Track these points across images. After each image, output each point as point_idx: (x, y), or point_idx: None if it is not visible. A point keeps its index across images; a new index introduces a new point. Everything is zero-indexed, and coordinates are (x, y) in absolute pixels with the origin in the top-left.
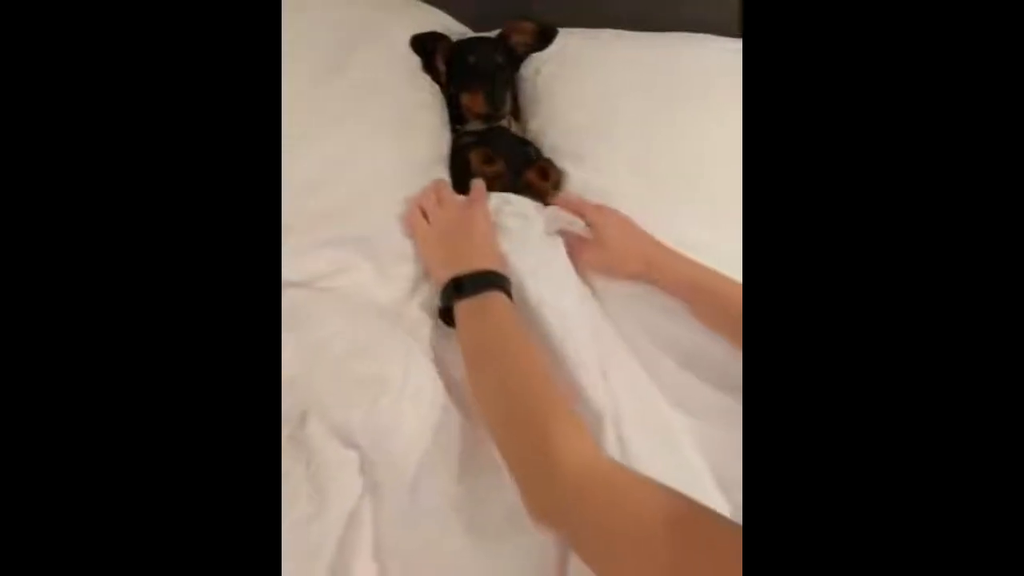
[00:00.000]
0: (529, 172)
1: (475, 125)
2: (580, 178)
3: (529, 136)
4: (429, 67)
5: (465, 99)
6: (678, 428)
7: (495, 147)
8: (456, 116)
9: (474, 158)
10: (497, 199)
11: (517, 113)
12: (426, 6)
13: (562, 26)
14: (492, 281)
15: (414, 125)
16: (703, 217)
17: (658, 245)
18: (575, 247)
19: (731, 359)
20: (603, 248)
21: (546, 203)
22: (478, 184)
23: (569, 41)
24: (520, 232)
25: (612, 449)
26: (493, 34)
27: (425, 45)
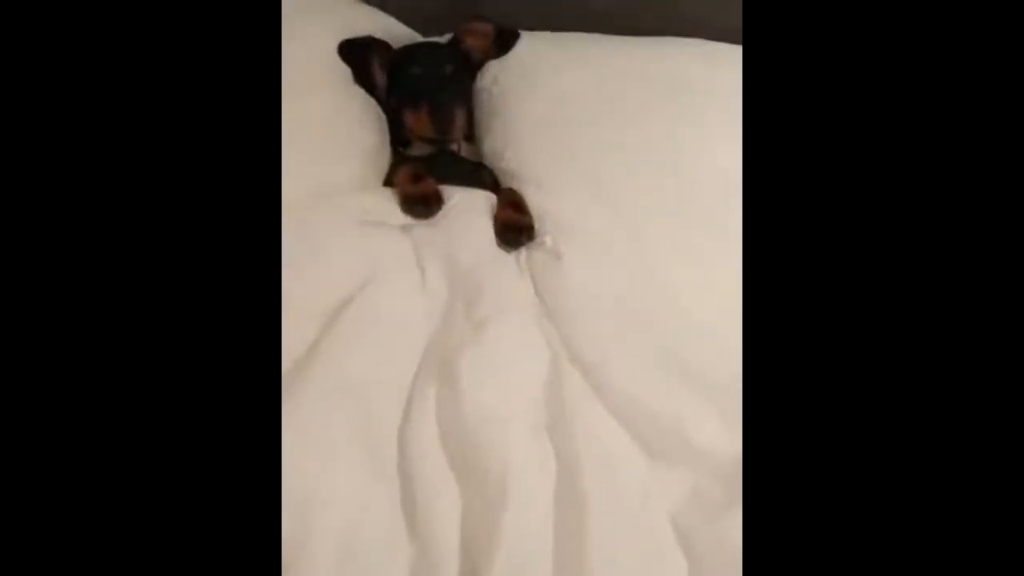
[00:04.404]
0: (500, 207)
1: (420, 148)
2: (539, 207)
3: (484, 159)
4: (363, 78)
5: (408, 118)
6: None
7: (440, 174)
8: (399, 137)
9: (401, 175)
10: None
11: (471, 133)
12: (361, 5)
13: (526, 28)
14: None
15: (338, 145)
16: (677, 251)
17: None
18: None
19: None
20: None
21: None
22: None
23: (531, 46)
24: None
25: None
26: (445, 39)
27: (357, 52)
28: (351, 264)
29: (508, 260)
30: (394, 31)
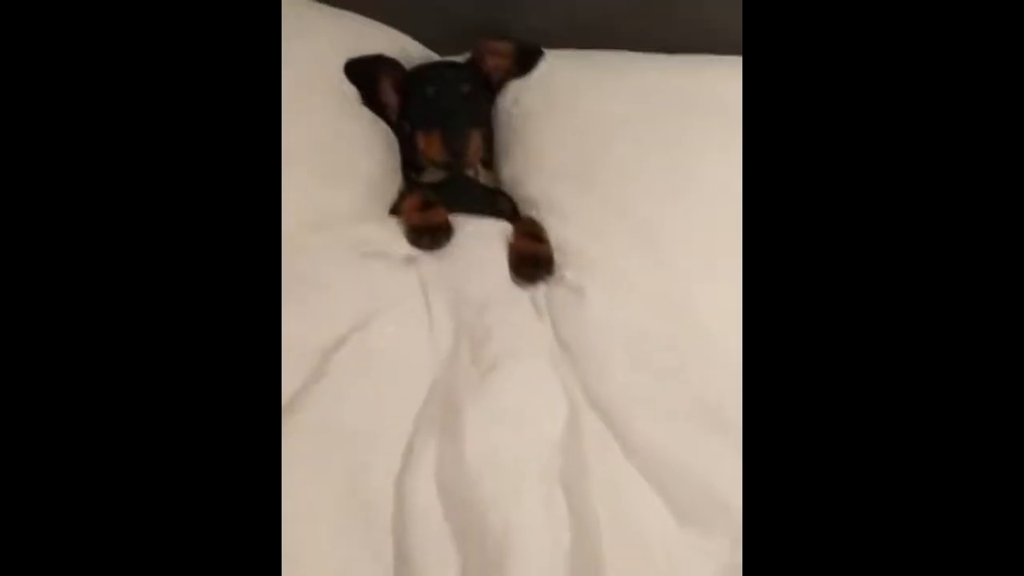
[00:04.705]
0: (516, 236)
1: (433, 174)
2: (562, 239)
3: (503, 185)
4: (371, 100)
5: (421, 141)
6: None
7: (454, 201)
8: (411, 162)
9: (408, 203)
10: None
11: (490, 158)
12: (370, 21)
13: (550, 46)
14: None
15: (337, 171)
16: (712, 289)
17: None
18: None
19: None
20: None
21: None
22: None
23: (555, 65)
24: None
25: None
26: (463, 58)
27: (365, 72)
28: (348, 300)
29: (523, 297)
30: (407, 50)
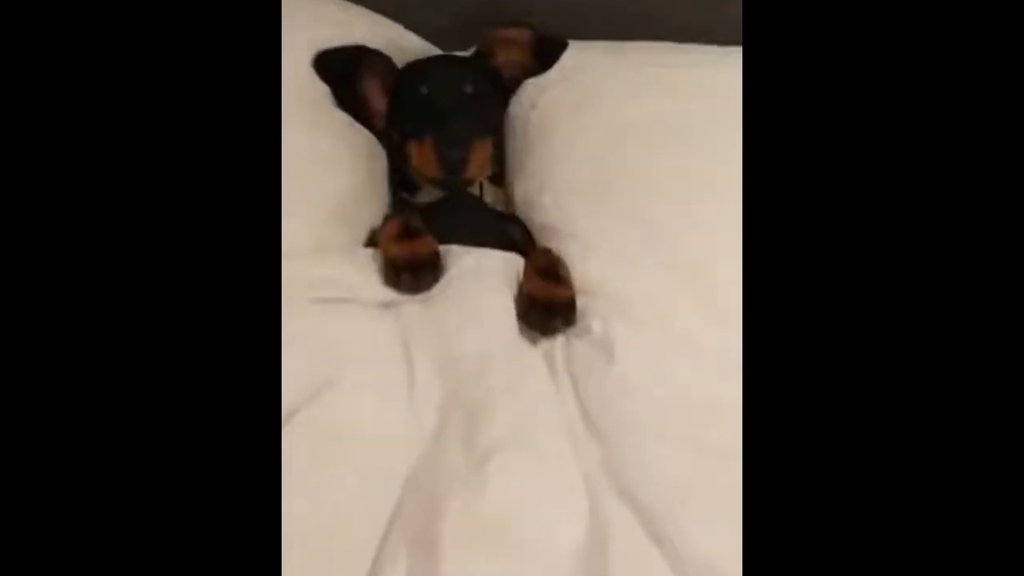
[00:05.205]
0: (527, 273)
1: (429, 193)
2: (587, 278)
3: (515, 208)
4: (348, 101)
5: (413, 153)
6: None
7: (450, 228)
8: (403, 179)
9: (386, 231)
10: None
11: (500, 175)
12: (352, 7)
13: (575, 36)
14: None
15: (289, 192)
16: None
17: None
18: None
19: None
20: None
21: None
22: None
23: (583, 59)
24: None
25: None
26: (470, 53)
27: (340, 66)
28: (298, 362)
29: (536, 355)
30: (400, 43)
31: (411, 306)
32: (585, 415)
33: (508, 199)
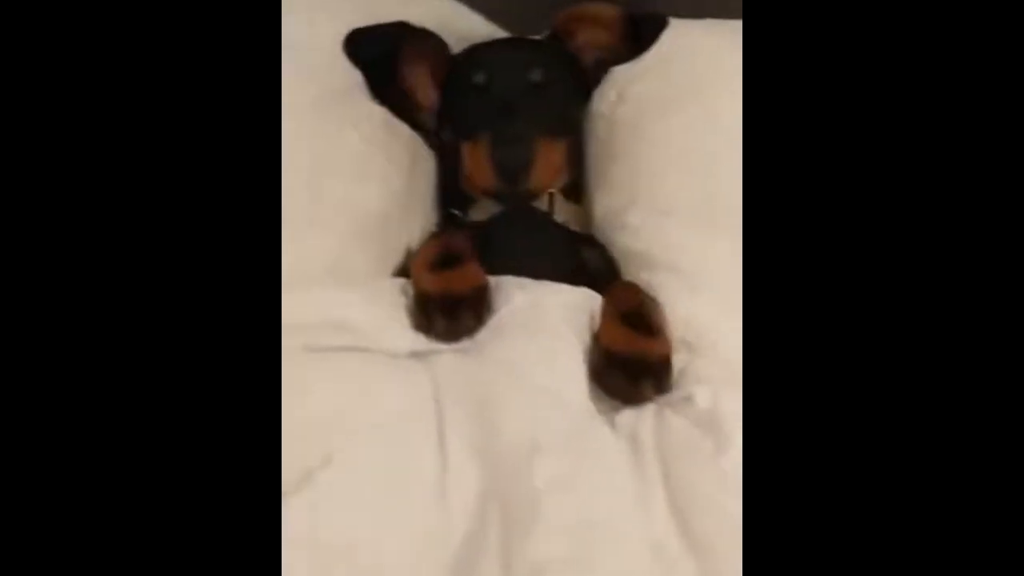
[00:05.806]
0: (606, 319)
1: (485, 208)
2: (692, 324)
3: (595, 229)
4: (387, 92)
5: (466, 156)
6: None
7: (508, 253)
8: (455, 191)
9: (419, 256)
10: None
11: (578, 187)
12: None
13: (677, 13)
14: None
15: (311, 204)
16: None
17: None
18: None
19: None
20: None
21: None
22: None
23: (686, 42)
24: None
25: None
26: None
27: (376, 48)
28: (293, 431)
29: (612, 435)
30: (457, 24)
31: (447, 357)
32: (681, 523)
33: (587, 217)
